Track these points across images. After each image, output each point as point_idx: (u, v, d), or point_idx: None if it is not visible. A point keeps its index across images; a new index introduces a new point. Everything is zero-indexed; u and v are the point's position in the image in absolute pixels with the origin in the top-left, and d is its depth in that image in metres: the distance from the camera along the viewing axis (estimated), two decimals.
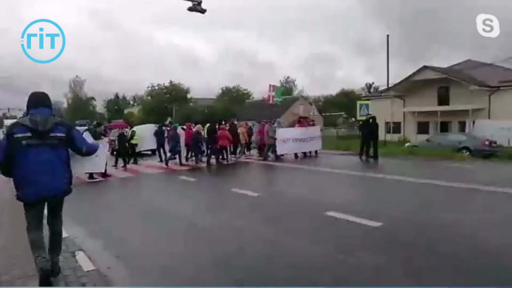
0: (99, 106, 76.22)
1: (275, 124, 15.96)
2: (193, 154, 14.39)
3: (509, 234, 4.74)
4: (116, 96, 79.68)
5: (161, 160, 14.13)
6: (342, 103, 55.78)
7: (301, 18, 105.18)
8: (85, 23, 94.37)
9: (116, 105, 77.84)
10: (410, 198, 7.38)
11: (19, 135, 3.27)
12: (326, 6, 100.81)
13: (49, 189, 3.35)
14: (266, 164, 13.61)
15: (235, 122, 16.60)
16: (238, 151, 15.59)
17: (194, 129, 14.38)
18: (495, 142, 16.08)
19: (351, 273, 3.66)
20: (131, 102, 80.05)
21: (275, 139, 14.33)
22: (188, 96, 59.71)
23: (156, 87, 59.95)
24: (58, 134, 3.39)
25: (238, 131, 15.45)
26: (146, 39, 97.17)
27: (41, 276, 3.27)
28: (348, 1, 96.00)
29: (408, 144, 19.61)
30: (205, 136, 14.38)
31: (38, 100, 3.46)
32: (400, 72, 79.40)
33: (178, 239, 4.99)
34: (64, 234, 4.86)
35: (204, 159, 13.97)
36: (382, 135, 18.79)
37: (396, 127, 27.22)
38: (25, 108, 3.60)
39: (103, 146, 10.80)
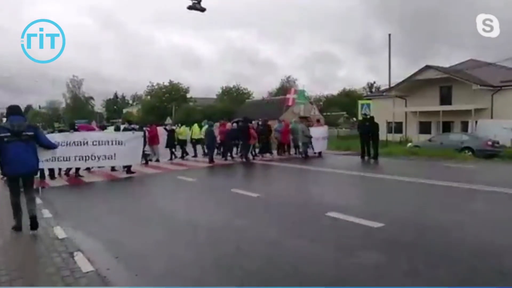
0: (98, 106, 76.26)
1: (279, 124, 16.50)
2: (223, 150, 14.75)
3: (511, 235, 4.69)
4: (115, 95, 79.72)
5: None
6: (343, 103, 55.65)
7: (302, 17, 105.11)
8: (84, 23, 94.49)
9: (115, 105, 77.88)
10: (412, 199, 7.32)
11: (2, 135, 4.91)
12: (328, 5, 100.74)
13: (22, 169, 5.01)
14: (266, 164, 13.56)
15: (269, 122, 16.66)
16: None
17: (227, 127, 14.67)
18: (498, 142, 16.02)
19: (352, 274, 3.61)
20: (130, 102, 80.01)
21: (311, 137, 15.07)
22: (188, 95, 59.62)
23: (156, 87, 59.84)
24: (29, 133, 5.07)
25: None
26: (146, 38, 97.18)
27: (16, 226, 5.07)
28: (349, 0, 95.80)
29: (410, 144, 19.56)
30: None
31: (15, 111, 5.19)
32: (402, 71, 79.49)
33: (177, 239, 4.94)
34: (63, 235, 4.88)
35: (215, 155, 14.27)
36: (383, 135, 18.76)
37: (397, 127, 27.13)
38: (22, 107, 5.06)
39: (140, 141, 11.30)
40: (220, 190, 8.76)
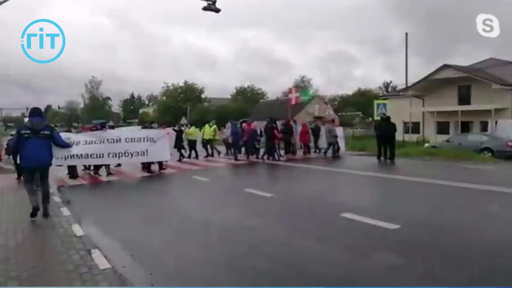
0: (115, 106, 77.63)
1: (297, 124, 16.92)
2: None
3: None
4: (132, 96, 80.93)
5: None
6: (359, 103, 54.96)
7: (318, 16, 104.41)
8: (100, 23, 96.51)
9: (132, 105, 79.10)
10: (428, 200, 7.17)
11: (23, 132, 5.77)
12: (344, 4, 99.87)
13: (35, 162, 5.77)
14: (281, 165, 13.53)
15: (291, 123, 16.72)
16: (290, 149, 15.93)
17: (252, 126, 15.20)
18: None
19: (367, 275, 3.57)
20: (147, 102, 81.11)
21: (336, 137, 15.42)
22: (203, 96, 60.07)
23: (171, 87, 60.49)
24: (45, 132, 5.88)
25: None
26: (161, 38, 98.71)
27: (32, 209, 5.67)
28: None
29: (427, 144, 19.17)
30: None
31: (35, 112, 6.04)
32: (421, 71, 77.82)
33: (192, 239, 4.98)
34: (81, 233, 4.99)
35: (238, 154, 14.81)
36: (400, 135, 18.43)
37: (415, 127, 26.63)
38: (42, 107, 5.43)
39: (165, 139, 11.79)
40: (234, 190, 8.79)
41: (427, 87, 26.68)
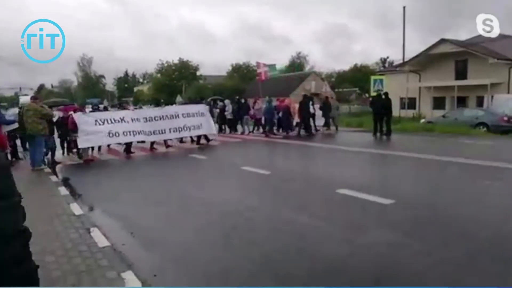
0: (109, 84, 76.43)
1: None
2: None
3: None
4: (126, 73, 79.53)
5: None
6: (356, 78, 54.44)
7: None
8: (94, 1, 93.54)
9: (126, 83, 77.87)
10: (423, 176, 7.25)
11: None
12: None
13: None
14: (277, 142, 13.54)
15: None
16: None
17: (284, 103, 15.51)
18: None
19: (364, 251, 3.63)
20: (141, 80, 79.82)
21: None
22: (198, 73, 59.13)
23: (166, 65, 59.35)
24: None
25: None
26: (157, 15, 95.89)
27: None
28: None
29: (423, 120, 19.20)
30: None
31: None
32: (421, 45, 76.65)
33: (189, 216, 5.03)
34: (80, 212, 5.01)
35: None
36: (396, 111, 18.41)
37: (411, 103, 26.57)
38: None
39: (209, 113, 12.75)
40: (231, 168, 8.81)
41: (424, 62, 26.44)
